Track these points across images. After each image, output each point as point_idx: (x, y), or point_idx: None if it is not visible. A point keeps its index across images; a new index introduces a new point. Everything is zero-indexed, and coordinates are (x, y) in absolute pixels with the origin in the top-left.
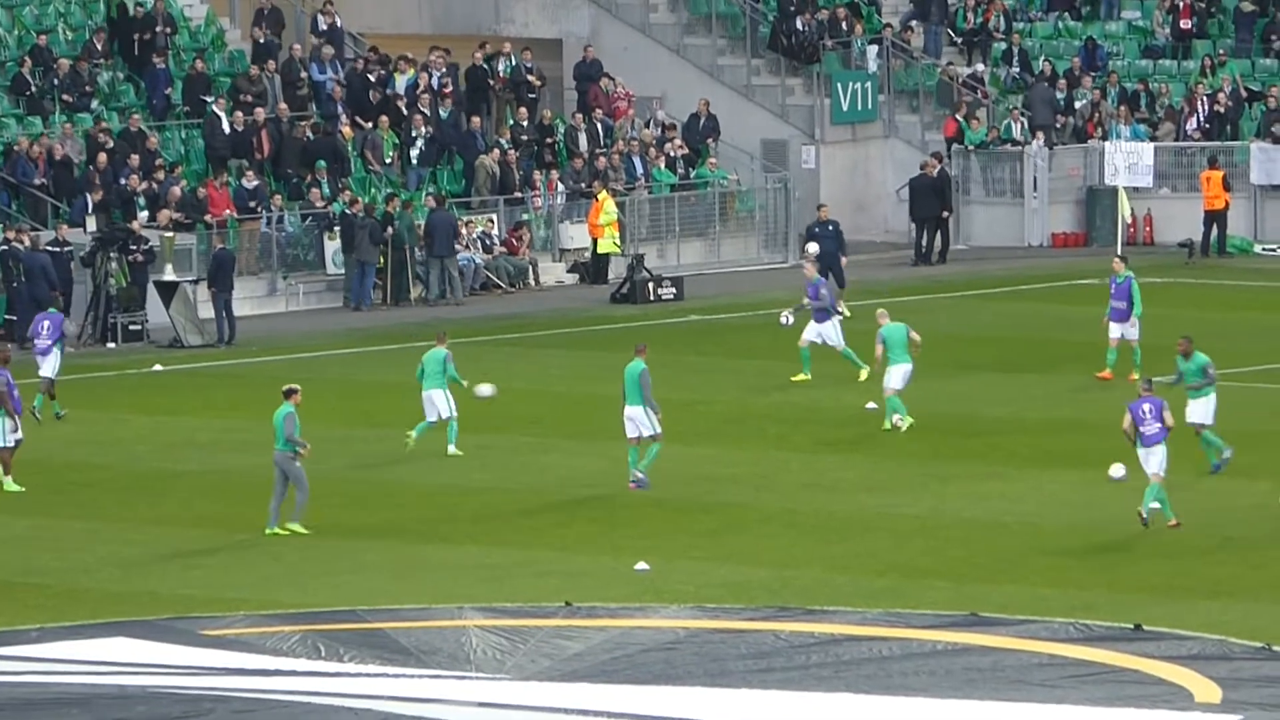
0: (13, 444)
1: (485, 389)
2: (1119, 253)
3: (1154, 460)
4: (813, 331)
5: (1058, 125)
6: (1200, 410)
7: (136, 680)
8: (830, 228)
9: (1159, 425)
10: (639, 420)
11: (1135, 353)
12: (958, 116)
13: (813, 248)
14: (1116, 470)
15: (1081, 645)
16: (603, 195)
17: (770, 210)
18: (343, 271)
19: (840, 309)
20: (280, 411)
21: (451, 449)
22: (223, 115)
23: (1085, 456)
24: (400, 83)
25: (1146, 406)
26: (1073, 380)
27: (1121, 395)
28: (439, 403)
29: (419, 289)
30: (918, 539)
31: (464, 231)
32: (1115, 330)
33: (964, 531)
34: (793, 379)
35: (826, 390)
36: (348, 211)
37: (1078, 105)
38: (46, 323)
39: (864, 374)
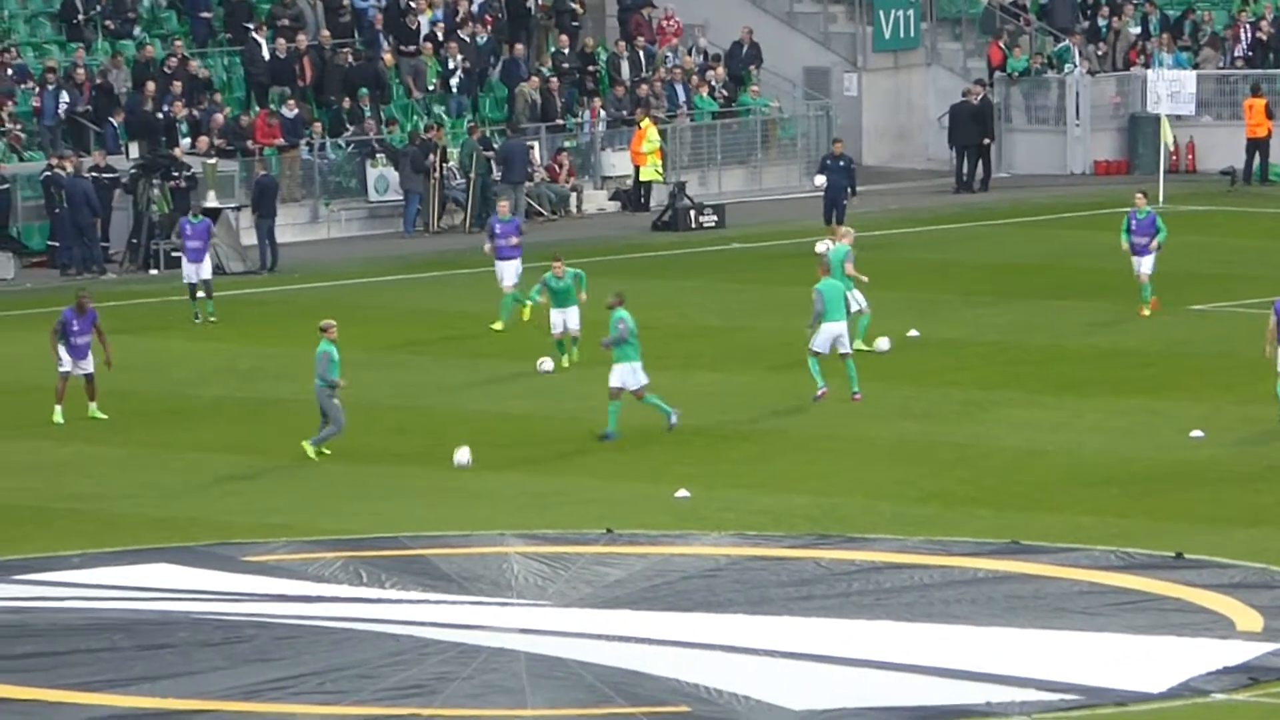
0: (80, 373)
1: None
2: (1141, 188)
3: None
4: (510, 274)
5: (1100, 52)
6: (619, 374)
7: (179, 606)
8: (842, 162)
9: None
10: (844, 338)
11: (1145, 288)
12: (1001, 44)
13: (820, 179)
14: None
15: (1123, 573)
16: (645, 123)
17: (812, 138)
18: (384, 198)
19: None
20: (318, 349)
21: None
22: (263, 42)
23: (1125, 385)
24: (424, 22)
25: None
26: (1113, 308)
27: (1164, 324)
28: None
29: (459, 215)
30: (958, 467)
31: (534, 159)
32: (1138, 264)
33: (1004, 459)
34: (492, 326)
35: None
36: (425, 138)
37: (1110, 31)
38: (189, 228)
39: (527, 312)
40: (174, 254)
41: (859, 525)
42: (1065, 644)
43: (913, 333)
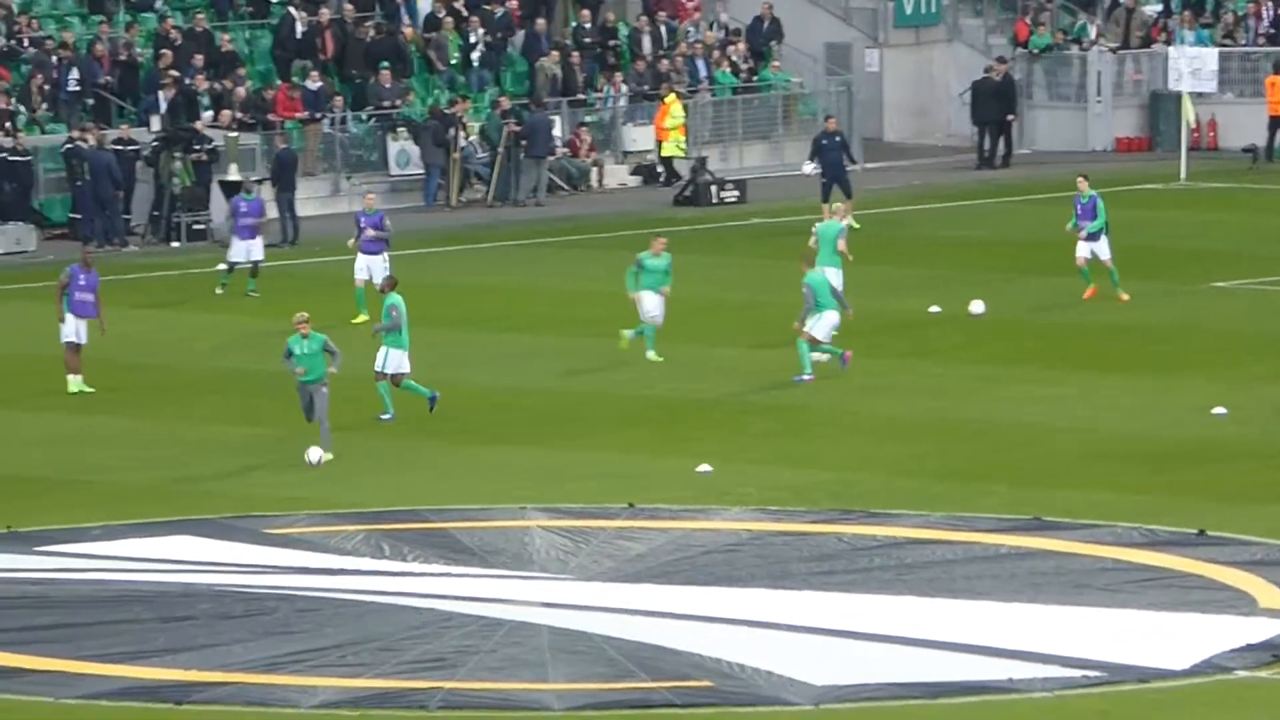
0: (76, 342)
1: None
2: (1082, 172)
3: None
4: (365, 269)
5: (1117, 25)
6: (393, 359)
7: (201, 578)
8: (837, 139)
9: None
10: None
11: (1111, 272)
12: (1027, 19)
13: (810, 168)
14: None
15: (1145, 550)
16: (670, 98)
17: (833, 113)
18: (406, 172)
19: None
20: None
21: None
22: (297, 16)
23: (1143, 361)
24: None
25: None
26: (1131, 285)
27: (1183, 301)
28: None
29: (479, 189)
30: (977, 443)
31: (557, 134)
32: (1084, 249)
33: (1022, 436)
34: (354, 321)
35: (885, 296)
36: (446, 112)
37: (1123, 9)
38: (244, 205)
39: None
40: (195, 226)
41: (879, 501)
42: (1088, 620)
43: (934, 309)
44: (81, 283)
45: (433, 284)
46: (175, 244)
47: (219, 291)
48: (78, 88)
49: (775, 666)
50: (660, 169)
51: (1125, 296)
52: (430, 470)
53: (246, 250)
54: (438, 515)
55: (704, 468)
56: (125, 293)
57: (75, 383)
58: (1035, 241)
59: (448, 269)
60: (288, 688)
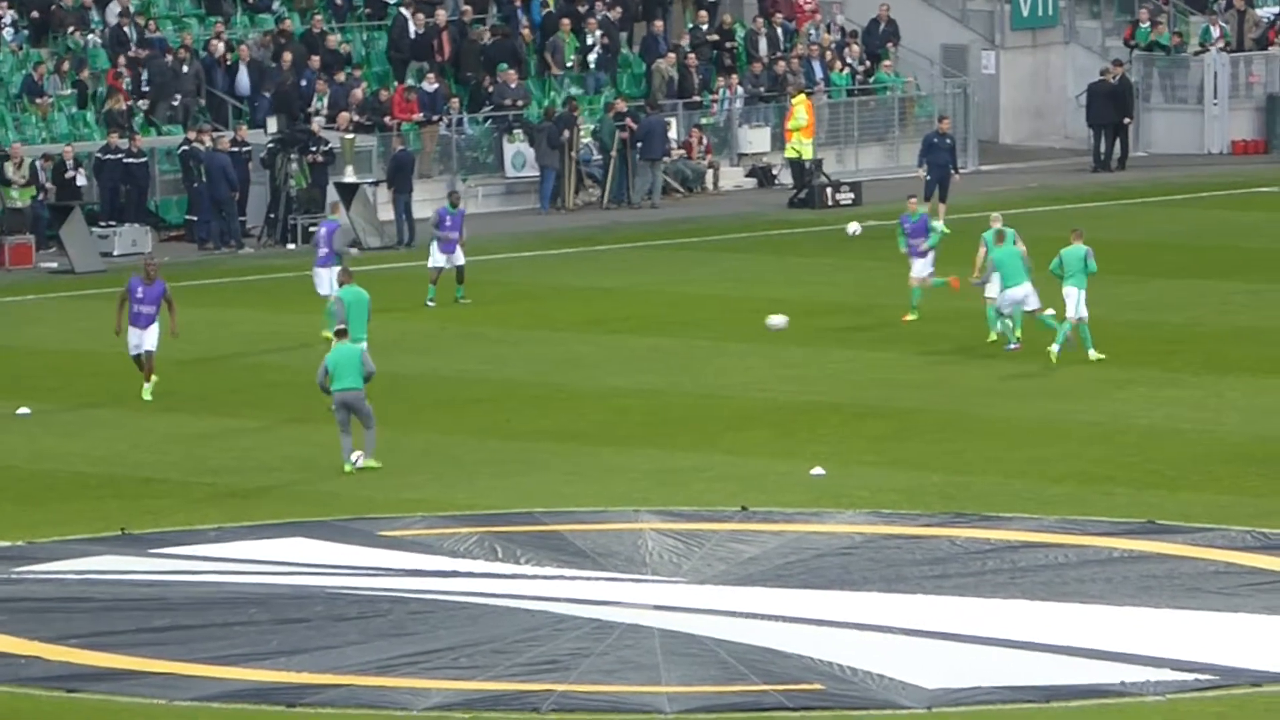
0: (141, 353)
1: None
2: (912, 194)
3: None
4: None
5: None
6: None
7: (315, 580)
8: (949, 140)
9: None
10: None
11: (915, 291)
12: (1141, 22)
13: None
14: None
15: (1259, 554)
16: (796, 100)
17: (950, 116)
18: (521, 174)
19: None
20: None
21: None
22: (410, 18)
23: (1264, 363)
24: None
25: None
26: (1250, 287)
27: None
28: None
29: (594, 191)
30: (1095, 446)
31: (672, 136)
32: (919, 268)
33: (1141, 438)
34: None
35: None
36: (562, 113)
37: (1233, 11)
38: (448, 219)
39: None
40: (311, 228)
41: (994, 504)
42: (1200, 624)
43: (1049, 311)
44: (139, 295)
45: (549, 286)
46: (291, 245)
47: (430, 304)
48: (148, 87)
49: (887, 670)
50: (775, 170)
51: (910, 317)
52: (544, 472)
53: (448, 260)
54: (551, 518)
55: (817, 470)
56: (241, 294)
57: (146, 389)
58: (1152, 243)
59: (563, 271)
60: (400, 690)
